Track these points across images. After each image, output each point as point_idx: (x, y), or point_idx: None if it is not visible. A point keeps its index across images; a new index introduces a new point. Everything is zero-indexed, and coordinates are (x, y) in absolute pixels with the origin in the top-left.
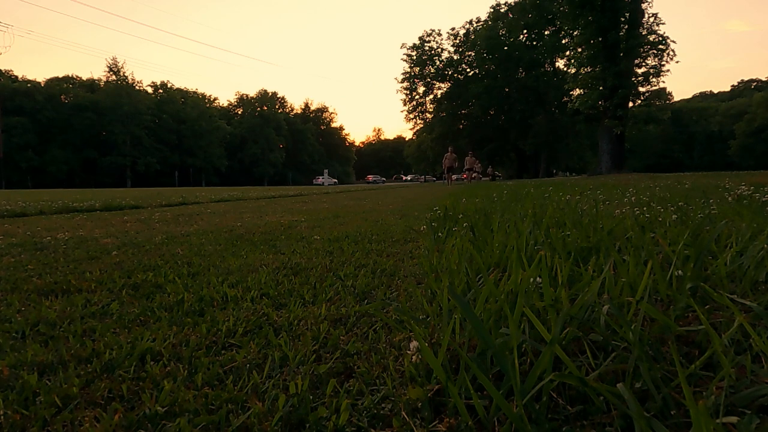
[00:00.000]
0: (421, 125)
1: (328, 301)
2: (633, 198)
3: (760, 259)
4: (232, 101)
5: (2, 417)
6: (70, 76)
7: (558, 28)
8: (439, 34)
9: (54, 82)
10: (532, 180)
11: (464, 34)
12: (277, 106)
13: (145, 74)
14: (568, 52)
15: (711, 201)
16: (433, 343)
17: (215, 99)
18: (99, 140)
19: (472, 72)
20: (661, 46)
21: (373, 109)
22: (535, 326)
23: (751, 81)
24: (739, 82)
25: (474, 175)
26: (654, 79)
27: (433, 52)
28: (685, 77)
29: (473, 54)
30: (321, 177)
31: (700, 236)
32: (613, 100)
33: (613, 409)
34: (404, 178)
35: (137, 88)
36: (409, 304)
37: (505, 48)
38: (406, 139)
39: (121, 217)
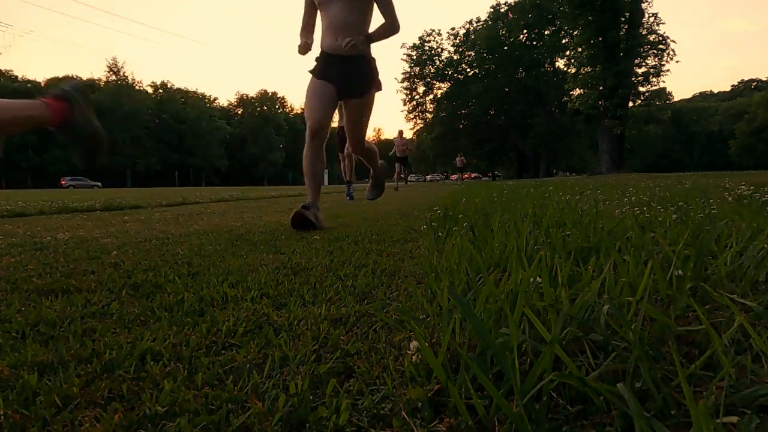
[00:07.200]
0: (421, 125)
1: (328, 301)
2: (633, 198)
3: (760, 259)
4: (232, 101)
5: (2, 417)
6: (70, 76)
7: (558, 28)
8: (439, 34)
9: (54, 82)
10: (532, 180)
11: (464, 34)
12: (277, 106)
13: (145, 74)
14: (568, 52)
15: (711, 201)
16: (433, 343)
17: (215, 99)
18: None
19: (472, 72)
20: (661, 46)
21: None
22: (535, 326)
23: (751, 81)
24: (739, 82)
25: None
26: (654, 79)
27: (433, 52)
28: (685, 77)
29: (473, 54)
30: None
31: (700, 236)
32: (613, 100)
33: (613, 408)
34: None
35: (137, 88)
36: (409, 304)
37: (505, 48)
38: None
39: (121, 217)
